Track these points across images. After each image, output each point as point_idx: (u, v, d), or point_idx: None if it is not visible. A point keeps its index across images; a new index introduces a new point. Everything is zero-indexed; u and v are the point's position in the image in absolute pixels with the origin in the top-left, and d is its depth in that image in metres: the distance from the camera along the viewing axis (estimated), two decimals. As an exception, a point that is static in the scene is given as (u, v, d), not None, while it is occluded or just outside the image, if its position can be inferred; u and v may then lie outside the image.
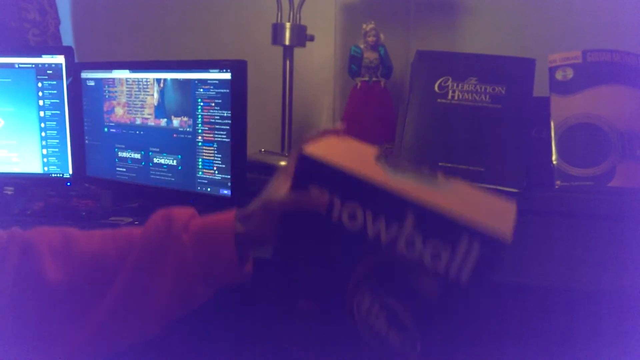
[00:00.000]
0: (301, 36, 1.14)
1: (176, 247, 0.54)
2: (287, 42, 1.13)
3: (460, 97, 1.02)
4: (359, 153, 0.52)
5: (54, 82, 1.09)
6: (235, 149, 0.92)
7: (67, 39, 1.47)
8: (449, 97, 1.03)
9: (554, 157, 0.98)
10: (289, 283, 0.54)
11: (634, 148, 0.95)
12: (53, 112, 1.10)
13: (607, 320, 0.68)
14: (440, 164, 0.99)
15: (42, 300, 0.54)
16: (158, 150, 1.01)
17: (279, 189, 0.53)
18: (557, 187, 0.96)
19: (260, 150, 1.22)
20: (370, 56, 1.15)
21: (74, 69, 1.09)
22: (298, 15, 1.14)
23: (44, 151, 1.11)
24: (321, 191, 0.48)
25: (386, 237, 0.45)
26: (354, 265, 0.48)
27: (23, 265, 0.54)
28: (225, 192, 0.94)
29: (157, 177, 1.02)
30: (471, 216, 0.42)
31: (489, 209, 0.45)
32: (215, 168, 0.94)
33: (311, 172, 0.48)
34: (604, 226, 0.87)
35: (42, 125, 1.10)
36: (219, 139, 0.93)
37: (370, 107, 1.16)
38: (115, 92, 1.05)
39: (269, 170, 1.12)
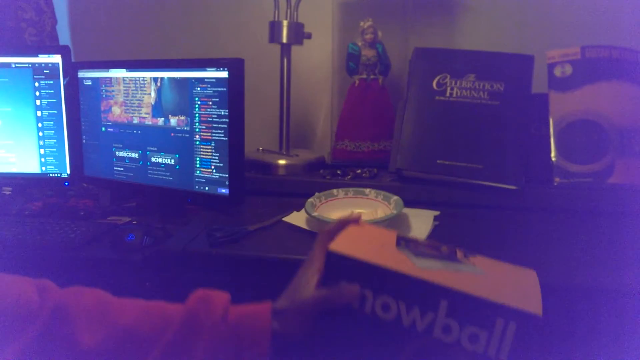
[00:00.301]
0: (298, 34, 1.14)
1: (212, 335, 0.54)
2: (284, 40, 1.12)
3: (459, 94, 1.02)
4: (380, 241, 0.53)
5: (51, 82, 1.09)
6: (233, 147, 0.92)
7: (64, 39, 1.46)
8: (447, 94, 1.02)
9: (552, 154, 0.98)
10: None
11: (633, 144, 0.95)
12: (50, 111, 1.10)
13: (606, 318, 0.68)
14: (438, 161, 0.99)
15: None
16: (155, 149, 1.01)
17: (309, 284, 0.54)
18: (556, 183, 0.96)
19: (258, 149, 1.21)
20: (368, 54, 1.14)
21: (70, 69, 1.09)
22: (295, 13, 1.14)
23: (42, 151, 1.11)
24: (352, 286, 0.49)
25: (422, 325, 0.46)
26: (396, 355, 0.49)
27: (53, 331, 0.54)
28: (223, 191, 0.94)
29: (155, 176, 1.02)
30: (502, 296, 0.44)
31: (515, 284, 0.47)
32: (213, 167, 0.94)
33: (339, 267, 0.50)
34: (604, 223, 0.87)
35: (40, 125, 1.10)
36: (217, 138, 0.93)
37: (368, 104, 1.16)
38: (113, 91, 1.05)
39: (267, 168, 1.11)
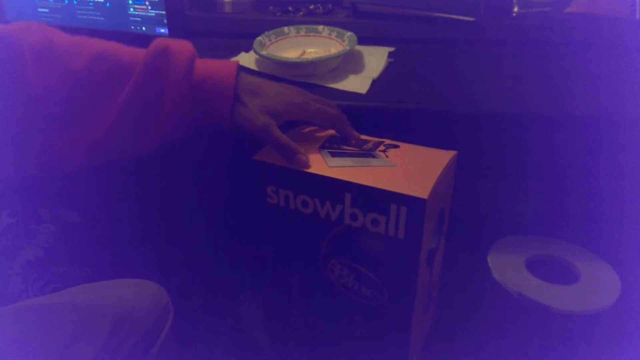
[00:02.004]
0: None
1: (174, 92, 0.54)
2: None
3: None
4: (304, 146, 0.58)
5: None
6: (168, -20, 0.82)
7: None
8: None
9: (514, -18, 0.92)
10: (279, 264, 0.64)
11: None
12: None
13: (556, 145, 0.71)
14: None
15: (24, 104, 0.51)
16: (80, -15, 0.89)
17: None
18: (514, 14, 0.93)
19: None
20: None
21: None
22: None
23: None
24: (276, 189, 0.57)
25: (334, 215, 0.55)
26: (319, 241, 0.58)
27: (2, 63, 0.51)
28: (162, 30, 0.86)
29: (85, 16, 0.91)
30: (395, 185, 0.51)
31: (415, 172, 0.53)
32: (147, 3, 0.85)
33: (263, 173, 0.57)
34: (558, 54, 0.86)
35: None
36: (148, -31, 0.82)
37: None
38: None
39: (212, 6, 1.02)
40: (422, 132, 0.73)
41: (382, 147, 0.59)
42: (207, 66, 0.56)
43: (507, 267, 0.76)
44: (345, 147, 0.59)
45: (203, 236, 0.89)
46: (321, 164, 0.55)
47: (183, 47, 0.55)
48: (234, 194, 0.81)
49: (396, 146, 0.59)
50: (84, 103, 0.53)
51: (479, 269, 0.77)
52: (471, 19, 0.90)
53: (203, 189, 0.84)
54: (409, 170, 0.53)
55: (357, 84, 0.77)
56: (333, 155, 0.57)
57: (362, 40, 0.86)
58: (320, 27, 0.90)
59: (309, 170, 0.54)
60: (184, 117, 0.55)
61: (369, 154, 0.57)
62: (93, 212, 0.94)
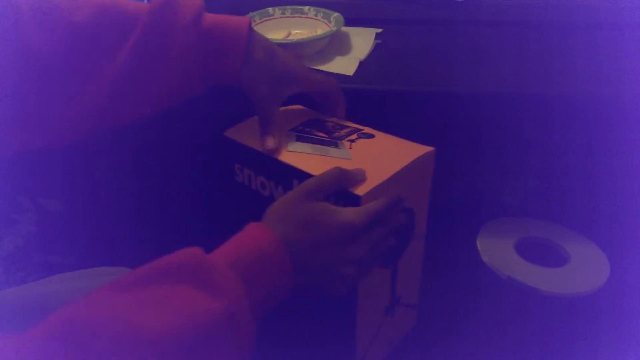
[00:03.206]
0: None
1: (182, 40, 0.51)
2: None
3: None
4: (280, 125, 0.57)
5: None
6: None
7: None
8: None
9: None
10: None
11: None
12: None
13: (547, 126, 0.70)
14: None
15: (24, 63, 0.48)
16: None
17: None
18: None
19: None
20: None
21: None
22: None
23: None
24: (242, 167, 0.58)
25: None
26: None
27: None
28: (143, 11, 0.83)
29: None
30: None
31: (366, 169, 0.50)
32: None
33: (232, 150, 0.57)
34: (551, 33, 0.85)
35: None
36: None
37: None
38: None
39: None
40: (411, 114, 0.71)
41: (353, 136, 0.57)
42: (216, 16, 0.54)
43: (497, 250, 0.76)
44: (315, 133, 0.58)
45: (186, 222, 0.88)
46: (282, 148, 0.55)
47: None
48: (213, 175, 0.79)
49: (371, 136, 0.57)
50: (88, 56, 0.50)
51: (468, 251, 0.76)
52: (458, -2, 0.89)
53: (183, 172, 0.83)
54: (364, 164, 0.51)
55: (343, 65, 0.75)
56: (297, 139, 0.56)
57: (348, 21, 0.84)
58: (306, 8, 0.88)
59: (264, 152, 0.54)
60: (193, 68, 0.53)
61: (333, 142, 0.56)
62: (74, 200, 0.92)
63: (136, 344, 0.34)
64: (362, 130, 0.58)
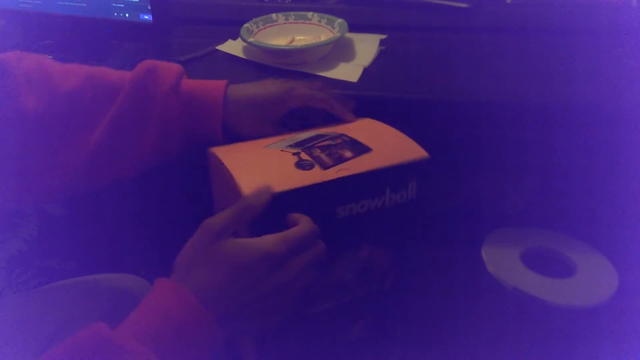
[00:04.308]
0: None
1: (162, 107, 0.54)
2: None
3: None
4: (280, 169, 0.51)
5: None
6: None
7: None
8: None
9: (509, -32, 0.90)
10: None
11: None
12: None
13: (554, 135, 0.69)
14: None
15: (19, 128, 0.52)
16: (60, -31, 0.86)
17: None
18: (508, 1, 0.90)
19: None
20: None
21: None
22: None
23: None
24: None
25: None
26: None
27: None
28: (146, 17, 0.83)
29: (66, 3, 0.88)
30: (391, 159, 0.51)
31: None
32: (130, -12, 0.82)
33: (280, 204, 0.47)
34: (555, 40, 0.84)
35: None
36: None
37: None
38: None
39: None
40: (414, 121, 0.70)
41: (319, 146, 0.54)
42: (194, 82, 0.56)
43: (502, 260, 0.74)
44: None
45: (190, 229, 0.87)
46: (305, 177, 0.50)
47: (171, 66, 0.56)
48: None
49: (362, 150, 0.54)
50: (73, 123, 0.53)
51: (473, 262, 0.75)
52: (464, 5, 0.88)
53: (185, 178, 0.82)
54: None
55: (347, 72, 0.75)
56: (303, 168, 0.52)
57: (352, 28, 0.83)
58: (310, 14, 0.87)
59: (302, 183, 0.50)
60: (172, 133, 0.55)
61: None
62: (77, 206, 0.92)
63: None
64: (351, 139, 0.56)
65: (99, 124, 0.53)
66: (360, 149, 0.53)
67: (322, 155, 0.52)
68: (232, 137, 0.57)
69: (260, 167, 0.51)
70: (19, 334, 0.56)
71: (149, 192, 0.86)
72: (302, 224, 0.44)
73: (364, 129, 0.59)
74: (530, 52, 0.81)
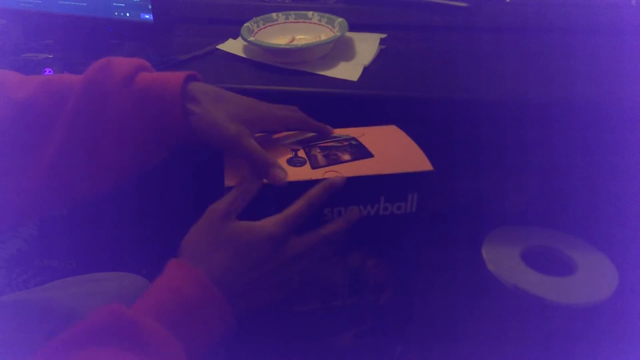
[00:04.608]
0: None
1: (115, 99, 0.48)
2: None
3: None
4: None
5: None
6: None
7: None
8: None
9: (509, -33, 0.90)
10: None
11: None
12: None
13: (554, 133, 0.69)
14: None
15: None
16: (61, -31, 0.86)
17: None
18: (508, 0, 0.90)
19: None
20: None
21: None
22: None
23: None
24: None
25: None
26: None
27: None
28: (147, 16, 0.83)
29: (67, 2, 0.88)
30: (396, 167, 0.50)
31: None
32: (130, -12, 0.82)
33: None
34: (553, 40, 0.84)
35: None
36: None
37: None
38: None
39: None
40: (414, 120, 0.70)
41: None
42: (152, 76, 0.50)
43: (502, 259, 0.74)
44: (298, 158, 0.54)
45: (187, 227, 0.87)
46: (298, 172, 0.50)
47: (128, 60, 0.50)
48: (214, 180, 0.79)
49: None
50: (28, 133, 0.48)
51: (474, 260, 0.75)
52: (464, 4, 0.88)
53: (184, 177, 0.82)
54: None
55: (348, 71, 0.75)
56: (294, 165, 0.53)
57: (353, 27, 0.83)
58: (310, 13, 0.87)
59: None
60: (131, 133, 0.49)
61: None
62: (77, 205, 0.92)
63: None
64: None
65: (52, 131, 0.48)
66: (361, 154, 0.53)
67: (319, 155, 0.52)
68: (207, 135, 0.49)
69: None
70: (18, 333, 0.56)
71: (149, 192, 0.86)
72: (302, 201, 0.46)
73: (381, 135, 0.57)
74: (530, 51, 0.81)
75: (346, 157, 0.52)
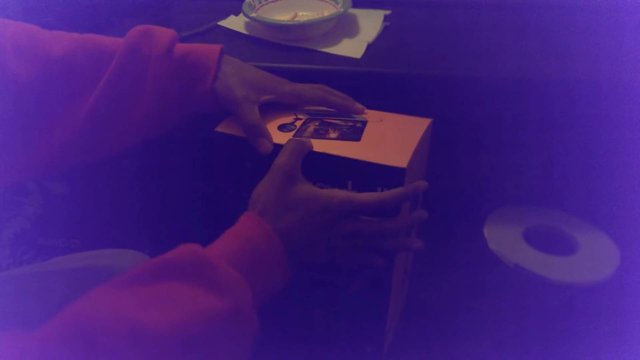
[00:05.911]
0: None
1: (156, 68, 0.53)
2: None
3: None
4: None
5: None
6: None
7: None
8: None
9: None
10: None
11: None
12: None
13: (555, 112, 0.68)
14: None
15: (10, 98, 0.50)
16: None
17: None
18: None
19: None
20: None
21: None
22: None
23: None
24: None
25: None
26: None
27: None
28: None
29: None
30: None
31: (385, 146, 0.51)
32: (130, -38, 0.80)
33: (227, 145, 0.55)
34: (559, 18, 0.83)
35: None
36: None
37: None
38: None
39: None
40: (418, 98, 0.70)
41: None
42: (189, 46, 0.55)
43: (504, 238, 0.74)
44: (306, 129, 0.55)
45: (193, 206, 0.87)
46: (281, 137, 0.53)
47: (165, 30, 0.55)
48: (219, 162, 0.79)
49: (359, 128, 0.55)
50: (66, 89, 0.52)
51: (475, 240, 0.75)
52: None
53: (186, 155, 0.82)
54: (377, 144, 0.52)
55: (351, 48, 0.74)
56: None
57: (356, 3, 0.82)
58: (313, -11, 0.86)
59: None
60: (167, 96, 0.54)
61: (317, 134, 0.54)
62: (80, 183, 0.92)
63: (140, 342, 0.34)
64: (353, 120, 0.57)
65: (91, 90, 0.52)
66: (352, 136, 0.52)
67: (311, 127, 0.54)
68: (221, 98, 0.55)
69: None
70: (20, 307, 0.57)
71: (152, 170, 0.86)
72: (375, 194, 0.48)
73: (396, 125, 0.56)
74: (533, 28, 0.79)
75: (333, 135, 0.53)
